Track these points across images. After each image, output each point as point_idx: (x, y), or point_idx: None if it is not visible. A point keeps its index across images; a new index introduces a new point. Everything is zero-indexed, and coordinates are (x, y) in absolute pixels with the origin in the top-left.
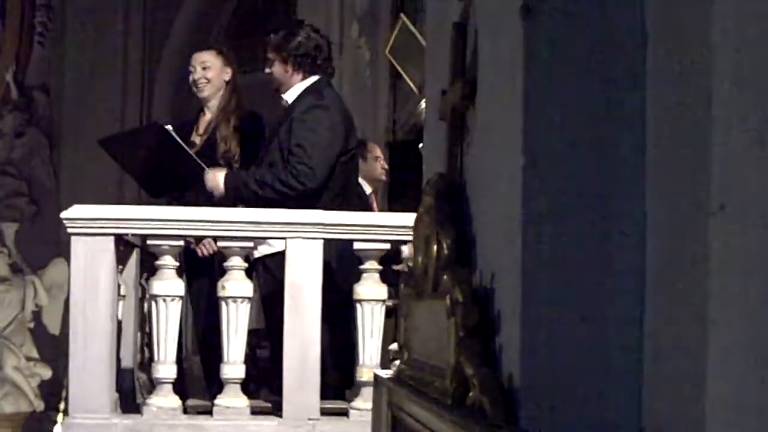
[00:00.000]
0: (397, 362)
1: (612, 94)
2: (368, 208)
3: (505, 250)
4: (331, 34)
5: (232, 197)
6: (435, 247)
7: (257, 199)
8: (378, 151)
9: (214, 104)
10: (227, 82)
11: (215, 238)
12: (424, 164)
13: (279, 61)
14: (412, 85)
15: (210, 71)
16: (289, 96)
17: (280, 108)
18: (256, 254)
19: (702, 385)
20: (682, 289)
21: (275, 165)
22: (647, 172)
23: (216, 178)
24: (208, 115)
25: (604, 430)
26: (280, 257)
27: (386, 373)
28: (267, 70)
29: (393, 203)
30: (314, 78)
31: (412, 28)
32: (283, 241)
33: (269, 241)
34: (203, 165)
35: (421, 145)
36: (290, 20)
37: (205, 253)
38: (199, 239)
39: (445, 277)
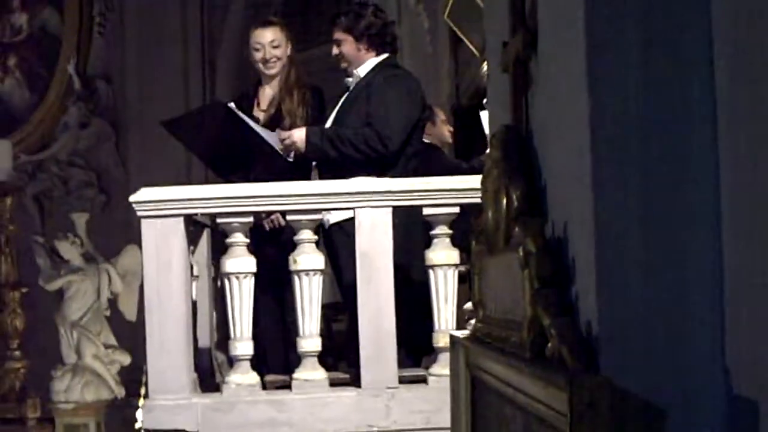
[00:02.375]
0: (473, 321)
1: (677, 31)
2: (453, 166)
3: (576, 198)
4: (388, 3)
5: (314, 153)
6: (505, 200)
7: (338, 156)
8: (443, 115)
9: (276, 79)
10: (288, 56)
11: (284, 213)
12: (489, 118)
13: (351, 41)
14: (472, 48)
15: (279, 49)
16: (362, 70)
17: (336, 84)
18: (333, 220)
19: None
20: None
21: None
22: (718, 107)
23: (295, 135)
24: (268, 90)
25: (686, 372)
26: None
27: (462, 334)
28: (334, 51)
29: None
30: (384, 55)
31: None
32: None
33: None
34: (268, 140)
35: (485, 100)
36: (354, 2)
37: (275, 225)
38: (268, 214)
39: (516, 229)
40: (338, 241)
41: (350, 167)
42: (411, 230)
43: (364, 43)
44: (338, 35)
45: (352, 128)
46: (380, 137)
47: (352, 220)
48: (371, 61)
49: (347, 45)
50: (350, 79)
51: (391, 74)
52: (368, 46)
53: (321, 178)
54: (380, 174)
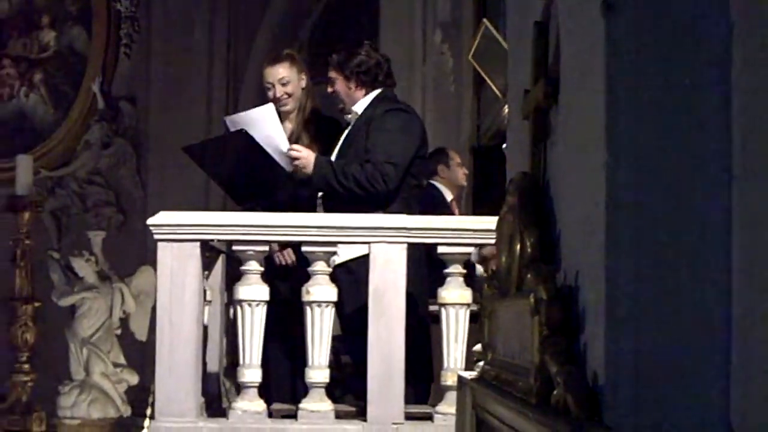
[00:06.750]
0: (481, 363)
1: (697, 88)
2: (449, 213)
3: (589, 247)
4: (414, 41)
5: (317, 183)
6: (518, 246)
7: (341, 190)
8: (459, 158)
9: (293, 113)
10: (303, 88)
11: (299, 243)
12: (508, 164)
13: (342, 79)
14: (495, 89)
15: (290, 86)
16: (359, 107)
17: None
18: (338, 259)
19: None
20: None
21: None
22: (733, 165)
23: (308, 158)
24: (288, 125)
25: (691, 428)
26: (364, 260)
27: (470, 375)
28: (329, 90)
29: (477, 208)
30: (377, 91)
31: (494, 33)
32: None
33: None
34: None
35: (504, 145)
36: (352, 41)
37: (284, 262)
38: (282, 246)
39: (528, 275)
40: (343, 280)
41: (356, 202)
42: (418, 266)
43: (354, 81)
44: (331, 74)
45: (356, 163)
46: (382, 175)
47: (358, 259)
48: (367, 98)
49: (338, 83)
50: (349, 116)
51: (390, 108)
52: (358, 85)
53: (326, 212)
54: (380, 207)
